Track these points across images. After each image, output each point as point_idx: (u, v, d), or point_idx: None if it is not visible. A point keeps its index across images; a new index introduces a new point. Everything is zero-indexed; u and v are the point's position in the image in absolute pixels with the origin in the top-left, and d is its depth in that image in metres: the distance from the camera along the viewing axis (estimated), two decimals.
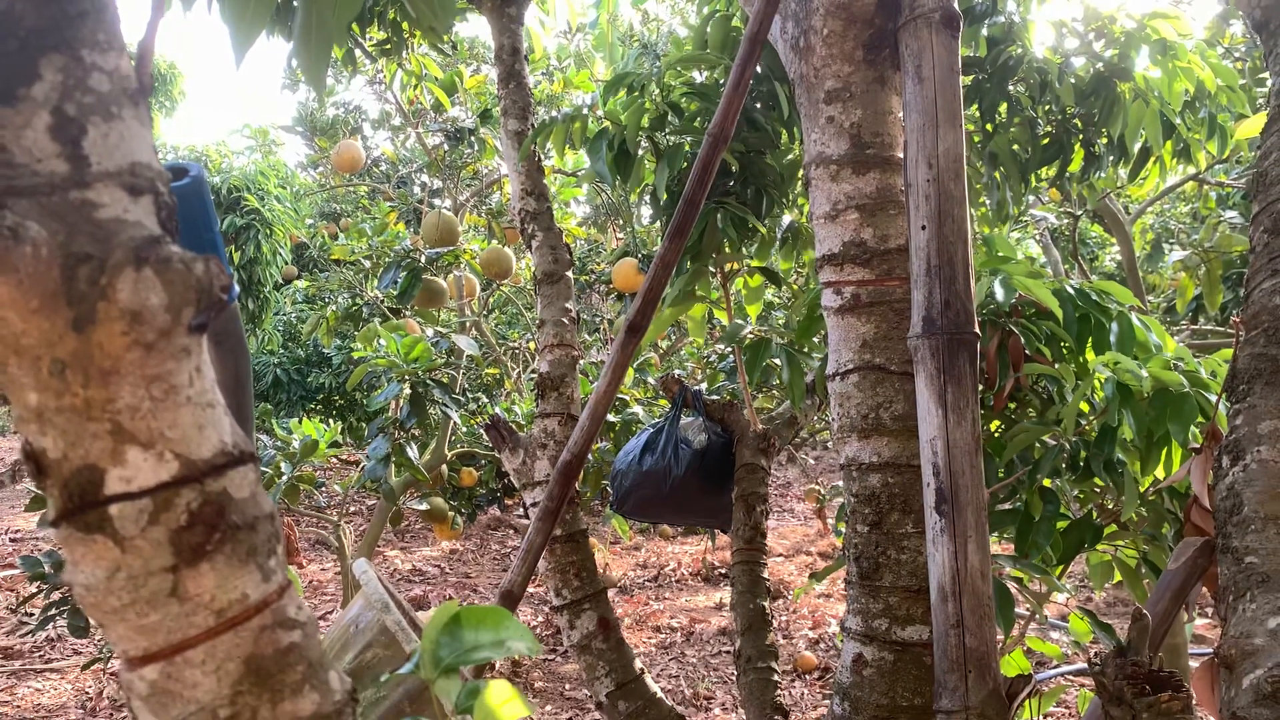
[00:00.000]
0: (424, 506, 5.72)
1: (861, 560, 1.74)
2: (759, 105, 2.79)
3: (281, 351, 9.30)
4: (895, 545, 1.71)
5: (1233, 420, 1.75)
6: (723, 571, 7.94)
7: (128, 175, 0.74)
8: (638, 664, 2.69)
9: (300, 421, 5.18)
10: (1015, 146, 3.16)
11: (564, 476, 1.93)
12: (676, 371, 6.42)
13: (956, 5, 1.65)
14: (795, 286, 3.71)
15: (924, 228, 1.56)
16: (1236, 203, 5.78)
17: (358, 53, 3.92)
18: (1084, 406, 2.35)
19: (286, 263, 8.21)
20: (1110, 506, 2.54)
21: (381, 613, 1.74)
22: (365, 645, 1.61)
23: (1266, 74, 2.70)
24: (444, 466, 5.81)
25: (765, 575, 2.71)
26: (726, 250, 2.81)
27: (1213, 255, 4.59)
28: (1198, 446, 1.94)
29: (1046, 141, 3.16)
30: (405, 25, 3.71)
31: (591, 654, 2.63)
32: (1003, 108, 3.02)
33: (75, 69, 0.71)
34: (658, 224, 2.94)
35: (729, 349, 3.55)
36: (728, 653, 6.11)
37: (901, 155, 1.75)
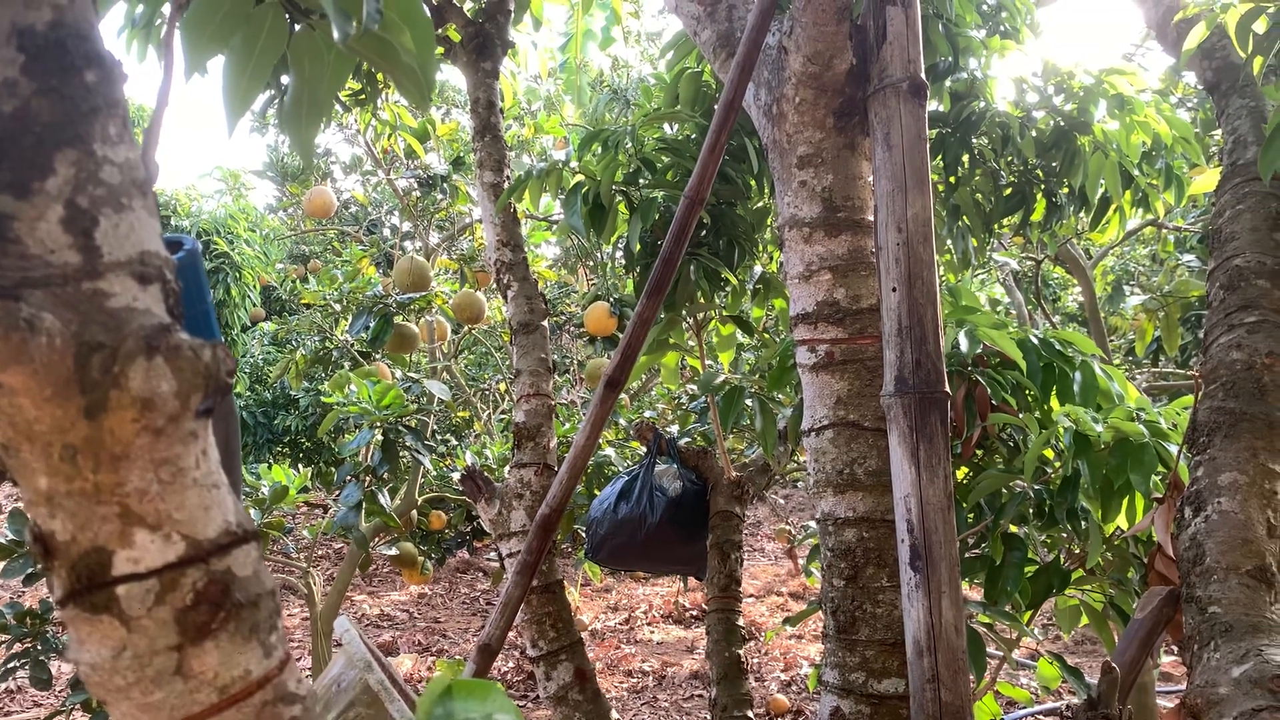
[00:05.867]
0: (394, 552, 5.68)
1: (838, 614, 1.78)
2: (729, 158, 2.86)
3: (248, 394, 9.23)
4: (871, 599, 1.75)
5: (1194, 472, 1.80)
6: (694, 614, 7.93)
7: (137, 264, 0.76)
8: (614, 715, 2.69)
9: (270, 466, 5.15)
10: (978, 197, 3.24)
11: (542, 530, 1.94)
12: (647, 413, 6.45)
13: (923, 73, 1.71)
14: (767, 336, 3.77)
15: (895, 289, 1.61)
16: (1193, 246, 5.92)
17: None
18: (1048, 454, 2.40)
19: (255, 305, 8.18)
20: (1077, 552, 2.59)
21: (364, 672, 1.74)
22: (348, 704, 1.62)
23: (1218, 128, 2.80)
24: (414, 511, 5.79)
25: (740, 623, 2.73)
26: (700, 300, 2.85)
27: (1171, 300, 4.71)
28: (1160, 496, 2.00)
29: (1009, 192, 3.25)
30: (380, 76, 3.75)
31: (568, 705, 2.64)
32: (966, 160, 3.10)
33: (87, 163, 0.74)
34: (627, 265, 2.97)
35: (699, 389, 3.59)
36: (700, 697, 6.10)
37: (872, 218, 1.81)
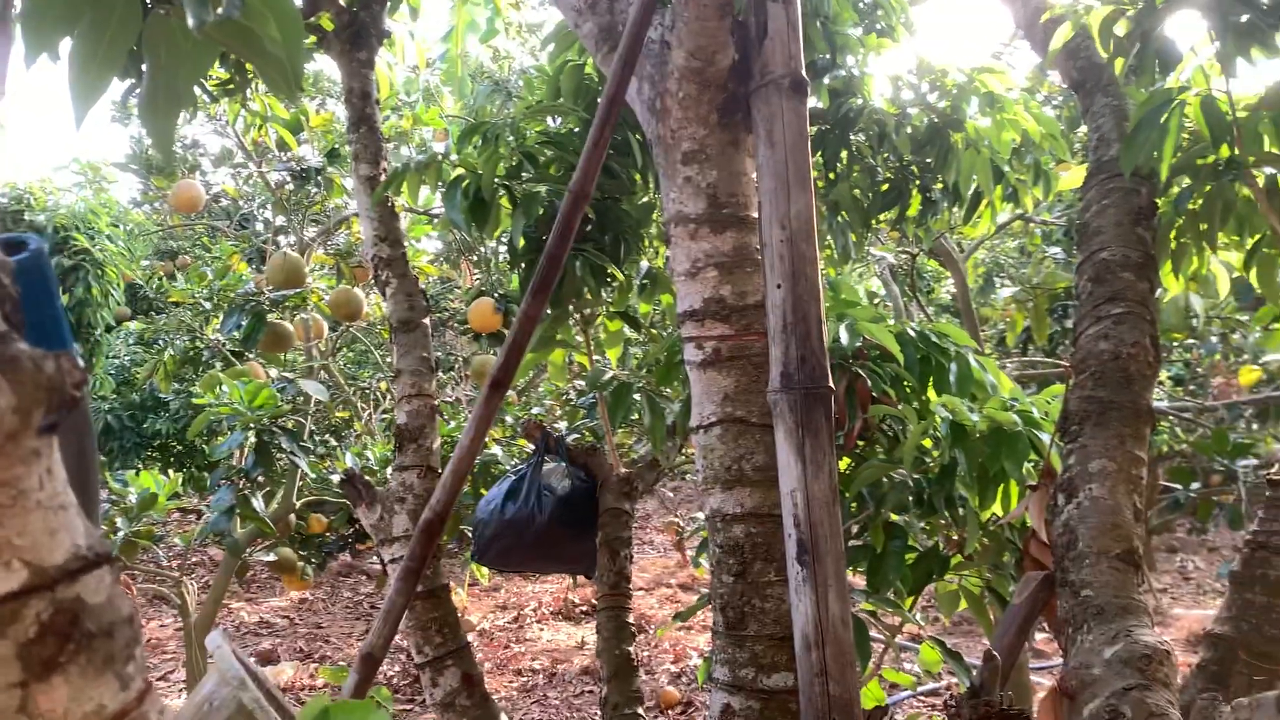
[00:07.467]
0: (272, 558, 5.50)
1: (727, 610, 1.78)
2: (613, 152, 2.83)
3: (114, 397, 8.81)
4: (759, 594, 1.75)
5: (1066, 460, 1.86)
6: (584, 610, 7.91)
7: None
8: (504, 717, 2.65)
9: (138, 472, 4.92)
10: (856, 193, 3.30)
11: (426, 535, 1.89)
12: (535, 410, 6.40)
13: (804, 70, 1.72)
14: (655, 332, 3.77)
15: (779, 286, 1.61)
16: (1059, 239, 6.17)
17: (198, 91, 3.77)
18: (926, 443, 2.46)
19: (119, 304, 7.81)
20: (955, 538, 2.66)
21: (238, 690, 1.65)
22: None
23: (1083, 125, 2.90)
24: (292, 515, 5.61)
25: (630, 620, 2.72)
26: (587, 296, 2.83)
27: (1039, 291, 4.90)
28: (1034, 484, 2.06)
29: (886, 188, 3.31)
30: (249, 65, 3.60)
31: (455, 711, 2.58)
32: (844, 156, 3.14)
33: None
34: (511, 260, 2.92)
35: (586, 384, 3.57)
36: (591, 692, 6.09)
37: (756, 214, 1.81)
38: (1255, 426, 5.75)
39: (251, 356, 5.85)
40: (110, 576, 0.76)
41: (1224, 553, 9.42)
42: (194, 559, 9.39)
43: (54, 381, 0.69)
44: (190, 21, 0.86)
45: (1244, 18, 1.85)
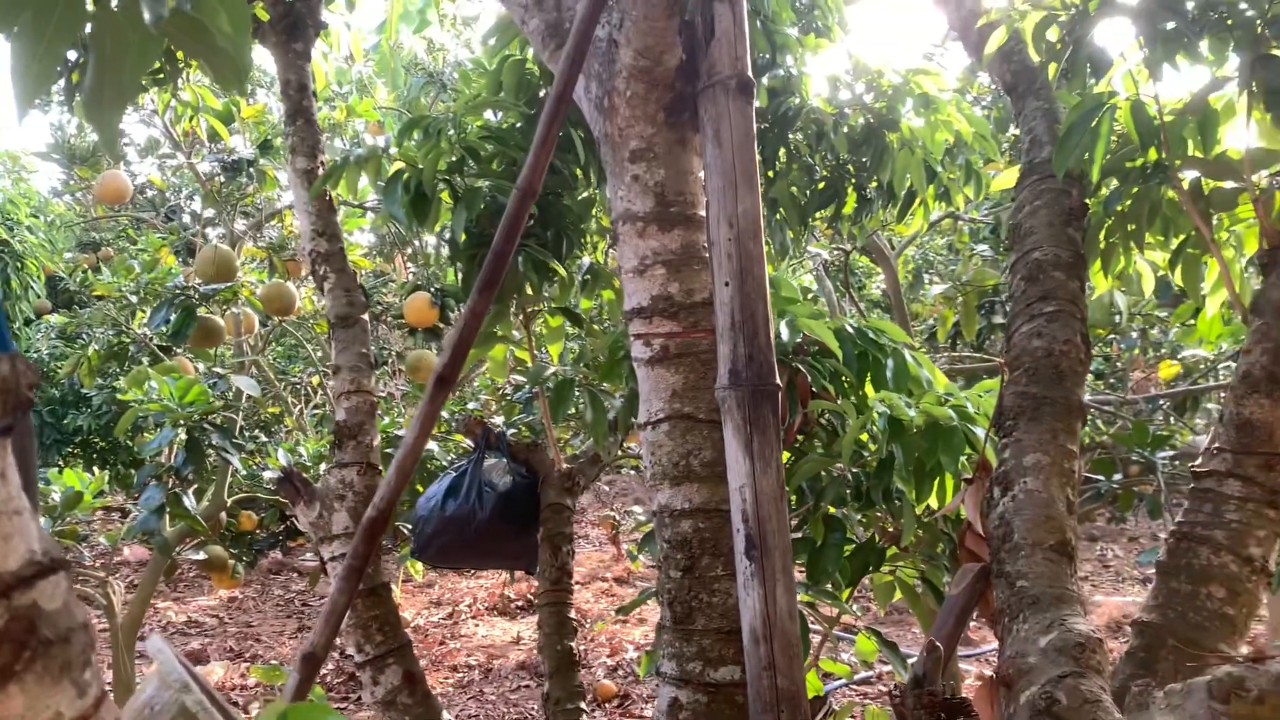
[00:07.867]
0: (202, 556, 5.38)
1: (675, 605, 1.79)
2: (555, 149, 2.82)
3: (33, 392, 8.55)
4: (707, 589, 1.77)
5: (1001, 454, 1.91)
6: (520, 605, 7.89)
7: None
8: (446, 716, 2.64)
9: (61, 470, 4.78)
10: (794, 191, 3.34)
11: (368, 534, 1.87)
12: (471, 405, 6.36)
13: (750, 71, 1.74)
14: (596, 328, 3.78)
15: (727, 284, 1.64)
16: (986, 237, 6.31)
17: None
18: (864, 438, 2.50)
19: (39, 297, 7.59)
20: (891, 530, 2.71)
21: (180, 693, 1.63)
22: None
23: (1014, 125, 2.97)
24: (223, 513, 5.50)
25: (572, 615, 2.73)
26: (528, 292, 2.82)
27: (968, 288, 5.00)
28: (969, 477, 2.11)
29: (823, 186, 3.36)
30: (180, 54, 3.53)
31: (397, 709, 2.57)
32: (783, 155, 3.18)
33: None
34: (452, 255, 2.90)
35: (524, 379, 3.57)
36: (527, 687, 6.08)
37: (703, 213, 1.83)
38: (1173, 419, 5.94)
39: (180, 351, 5.72)
40: (66, 582, 0.75)
41: (1142, 541, 9.72)
42: (119, 558, 9.16)
43: (8, 384, 0.68)
44: (146, 16, 0.84)
45: (1170, 25, 1.92)
